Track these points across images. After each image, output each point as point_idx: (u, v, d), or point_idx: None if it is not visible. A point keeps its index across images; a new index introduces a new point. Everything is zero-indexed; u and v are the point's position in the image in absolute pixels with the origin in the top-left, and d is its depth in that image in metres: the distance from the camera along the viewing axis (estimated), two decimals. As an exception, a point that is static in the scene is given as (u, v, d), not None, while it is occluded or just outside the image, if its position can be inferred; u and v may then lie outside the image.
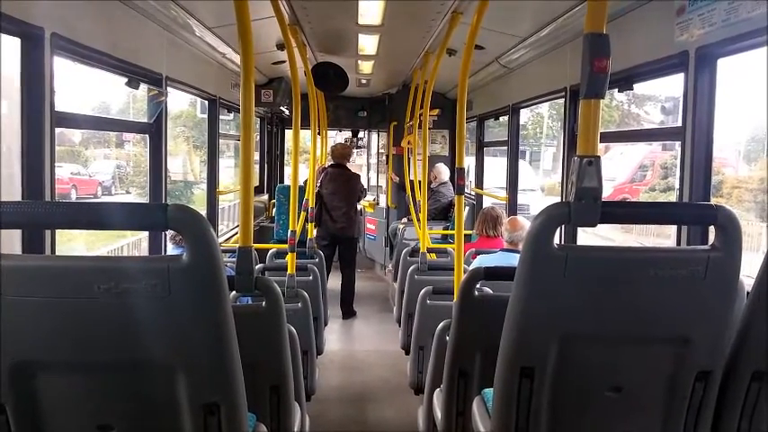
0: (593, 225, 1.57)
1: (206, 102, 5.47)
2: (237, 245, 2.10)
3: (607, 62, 1.55)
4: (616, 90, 3.50)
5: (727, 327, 1.67)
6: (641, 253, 1.72)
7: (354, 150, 9.94)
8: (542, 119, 16.96)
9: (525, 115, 10.86)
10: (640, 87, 3.36)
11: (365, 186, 7.72)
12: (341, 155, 6.81)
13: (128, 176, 12.44)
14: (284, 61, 5.55)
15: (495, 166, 7.79)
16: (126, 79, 3.51)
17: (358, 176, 7.00)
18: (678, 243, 2.89)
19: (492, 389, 1.82)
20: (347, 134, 10.03)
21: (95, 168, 12.92)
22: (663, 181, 12.87)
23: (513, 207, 5.58)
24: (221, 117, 5.67)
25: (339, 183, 6.66)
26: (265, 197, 8.86)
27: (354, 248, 7.00)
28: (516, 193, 5.68)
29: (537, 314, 1.64)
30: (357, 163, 11.82)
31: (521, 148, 5.99)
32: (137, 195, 10.99)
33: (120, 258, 1.61)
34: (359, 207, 7.04)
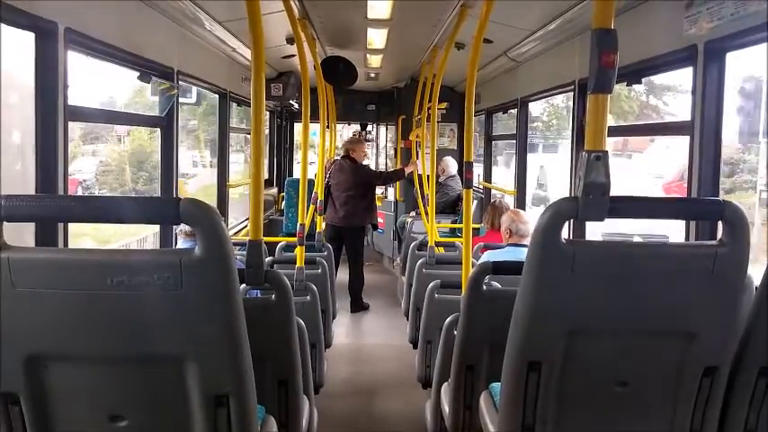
0: (601, 220, 1.57)
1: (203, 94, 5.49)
2: (247, 238, 2.11)
3: (615, 57, 1.55)
4: (624, 83, 3.50)
5: (735, 322, 1.67)
6: (649, 248, 1.72)
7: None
8: (558, 110, 16.84)
9: (540, 106, 10.73)
10: (660, 77, 3.35)
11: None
12: (349, 145, 6.78)
13: (105, 173, 11.32)
14: (294, 55, 5.56)
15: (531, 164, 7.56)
16: (138, 73, 3.54)
17: (365, 165, 6.92)
18: (687, 238, 2.89)
19: (499, 383, 1.83)
20: (355, 127, 10.02)
21: (76, 166, 12.08)
22: (727, 179, 12.37)
23: (521, 201, 5.58)
24: None
25: (345, 173, 6.62)
26: (274, 190, 8.88)
27: (361, 240, 6.79)
28: (524, 186, 5.67)
29: (544, 309, 1.65)
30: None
31: (536, 141, 5.94)
32: (110, 192, 10.20)
33: (133, 252, 1.63)
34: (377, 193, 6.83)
